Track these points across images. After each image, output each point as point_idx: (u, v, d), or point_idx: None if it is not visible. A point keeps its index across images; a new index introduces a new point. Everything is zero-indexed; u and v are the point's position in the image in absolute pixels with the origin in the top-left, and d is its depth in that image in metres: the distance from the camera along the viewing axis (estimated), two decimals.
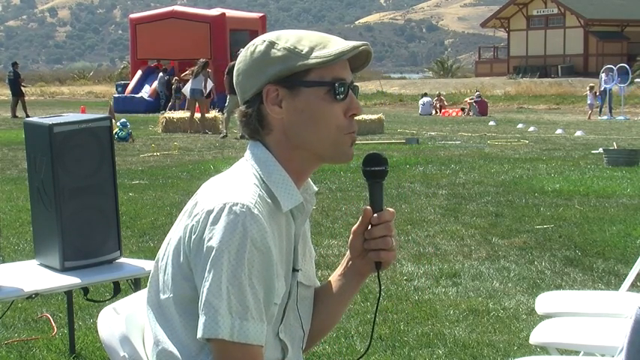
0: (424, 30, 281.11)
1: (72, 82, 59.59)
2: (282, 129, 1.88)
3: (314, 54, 1.86)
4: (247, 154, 1.93)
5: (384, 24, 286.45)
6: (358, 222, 2.01)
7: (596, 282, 6.37)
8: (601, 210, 9.46)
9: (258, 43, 1.91)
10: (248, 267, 1.75)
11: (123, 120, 19.74)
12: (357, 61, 1.94)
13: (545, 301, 3.84)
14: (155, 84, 32.38)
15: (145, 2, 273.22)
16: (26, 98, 29.93)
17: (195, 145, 18.37)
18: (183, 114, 23.05)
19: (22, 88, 29.67)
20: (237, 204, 1.77)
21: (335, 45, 1.88)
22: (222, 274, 1.74)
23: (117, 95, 33.34)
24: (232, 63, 19.91)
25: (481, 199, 10.33)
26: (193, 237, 1.79)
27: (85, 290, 4.09)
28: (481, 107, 33.02)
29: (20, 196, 10.18)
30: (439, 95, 36.27)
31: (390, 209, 2.00)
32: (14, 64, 30.58)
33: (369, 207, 1.99)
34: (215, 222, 1.76)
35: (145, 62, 34.13)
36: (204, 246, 1.76)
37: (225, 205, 1.77)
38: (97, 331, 2.25)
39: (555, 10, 56.46)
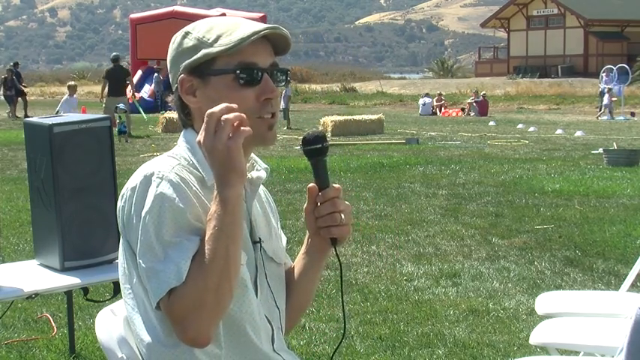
0: (424, 30, 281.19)
1: None
2: (201, 117, 1.85)
3: (218, 42, 1.88)
4: (179, 138, 1.97)
5: (384, 24, 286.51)
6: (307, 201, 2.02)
7: (596, 282, 6.36)
8: (601, 210, 9.46)
9: (178, 34, 1.95)
10: (169, 224, 1.77)
11: (121, 105, 19.82)
12: (278, 45, 1.93)
13: (545, 302, 3.84)
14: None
15: (145, 2, 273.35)
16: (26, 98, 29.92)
17: None
18: None
19: (23, 88, 29.67)
20: (153, 173, 1.81)
21: (241, 31, 1.87)
22: (150, 237, 1.76)
23: None
24: (111, 67, 20.71)
25: (481, 199, 10.33)
26: (124, 216, 1.83)
27: (85, 290, 4.09)
28: (481, 107, 33.01)
29: (20, 196, 10.18)
30: (439, 95, 36.25)
31: (336, 185, 1.99)
32: (15, 64, 30.57)
33: (313, 184, 1.98)
34: (135, 193, 1.81)
35: (145, 62, 34.11)
36: (133, 218, 1.80)
37: (144, 177, 1.82)
38: None
39: (555, 11, 56.42)
